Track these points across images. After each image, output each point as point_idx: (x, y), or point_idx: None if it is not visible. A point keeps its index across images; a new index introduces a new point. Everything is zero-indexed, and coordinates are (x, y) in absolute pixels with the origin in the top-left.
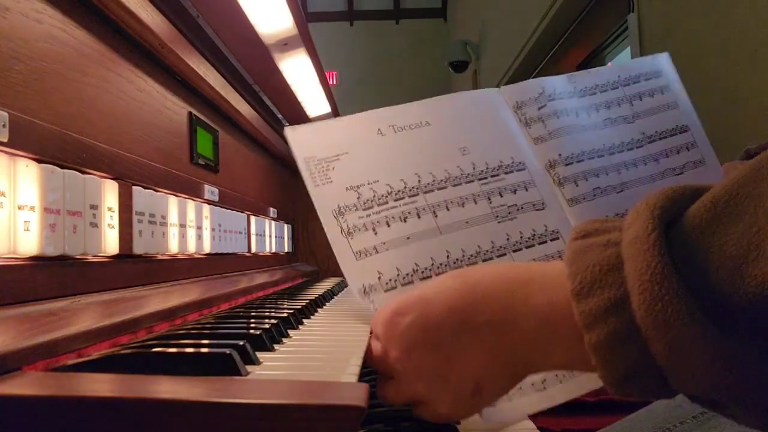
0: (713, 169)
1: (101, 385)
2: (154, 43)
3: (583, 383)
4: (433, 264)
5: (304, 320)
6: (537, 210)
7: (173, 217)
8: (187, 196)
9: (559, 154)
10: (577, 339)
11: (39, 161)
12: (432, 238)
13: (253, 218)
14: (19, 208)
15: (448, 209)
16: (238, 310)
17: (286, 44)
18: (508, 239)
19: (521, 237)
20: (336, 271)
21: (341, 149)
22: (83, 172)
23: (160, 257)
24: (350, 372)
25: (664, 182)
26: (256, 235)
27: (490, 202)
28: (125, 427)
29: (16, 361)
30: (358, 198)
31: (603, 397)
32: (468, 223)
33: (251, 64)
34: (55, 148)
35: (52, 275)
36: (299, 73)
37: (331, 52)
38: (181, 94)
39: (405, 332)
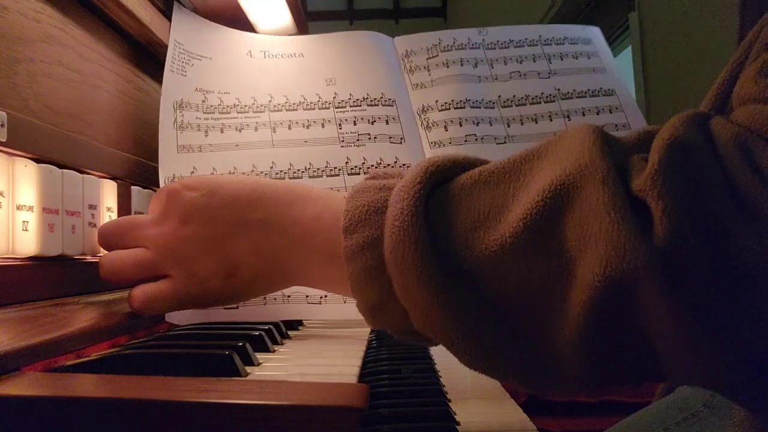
0: None
1: (100, 386)
2: (153, 43)
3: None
4: (253, 171)
5: (304, 321)
6: (393, 143)
7: None
8: None
9: (436, 101)
10: (330, 260)
11: (37, 161)
12: (261, 150)
13: None
14: (18, 208)
15: (289, 128)
16: None
17: None
18: (347, 162)
19: (363, 163)
20: None
21: (208, 53)
22: (82, 172)
23: None
24: (350, 372)
25: None
26: None
27: (340, 128)
28: (125, 427)
29: (14, 362)
30: (203, 101)
31: (603, 398)
32: (306, 142)
33: None
34: (53, 148)
35: (50, 275)
36: None
37: None
38: None
39: (188, 204)
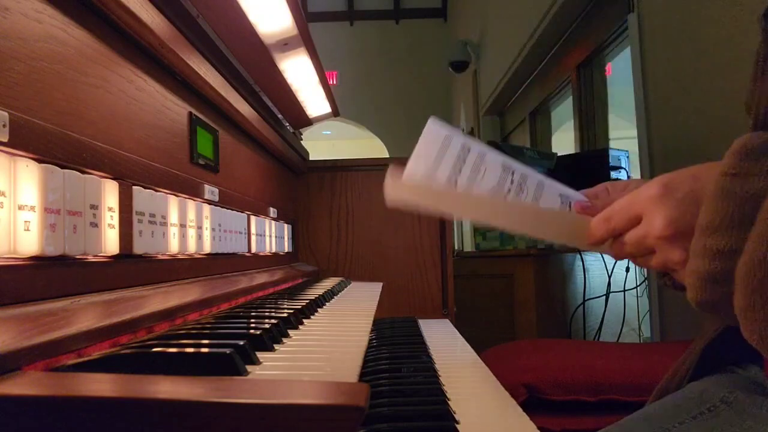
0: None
1: (101, 385)
2: (154, 43)
3: None
4: None
5: (304, 320)
6: None
7: (173, 217)
8: (187, 196)
9: None
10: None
11: (39, 161)
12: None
13: (253, 218)
14: (20, 208)
15: None
16: (238, 310)
17: (286, 44)
18: None
19: None
20: (336, 271)
21: None
22: (83, 172)
23: (160, 257)
24: (350, 372)
25: None
26: (256, 235)
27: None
28: (125, 427)
29: (16, 361)
30: None
31: (603, 397)
32: None
33: (251, 64)
34: (55, 148)
35: (52, 275)
36: (299, 73)
37: (331, 52)
38: (181, 94)
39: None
